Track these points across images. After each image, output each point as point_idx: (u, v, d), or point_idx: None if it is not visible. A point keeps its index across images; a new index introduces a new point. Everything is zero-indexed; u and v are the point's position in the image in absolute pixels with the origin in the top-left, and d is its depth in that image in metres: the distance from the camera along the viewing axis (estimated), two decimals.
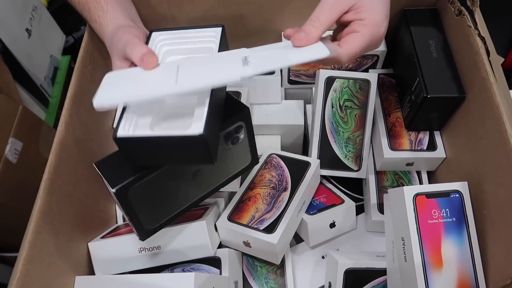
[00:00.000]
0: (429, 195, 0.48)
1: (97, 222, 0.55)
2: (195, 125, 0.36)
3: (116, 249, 0.51)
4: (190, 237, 0.51)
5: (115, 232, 0.54)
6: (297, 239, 0.62)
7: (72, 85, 0.52)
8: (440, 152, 0.59)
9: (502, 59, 0.63)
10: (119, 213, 0.60)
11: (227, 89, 0.64)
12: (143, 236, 0.45)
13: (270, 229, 0.52)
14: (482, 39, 0.52)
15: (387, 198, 0.56)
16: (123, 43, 0.43)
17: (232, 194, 0.59)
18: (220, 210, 0.59)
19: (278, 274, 0.56)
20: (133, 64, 0.43)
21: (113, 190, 0.40)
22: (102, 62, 0.60)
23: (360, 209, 0.64)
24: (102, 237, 0.53)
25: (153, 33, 0.47)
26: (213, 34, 0.46)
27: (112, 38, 0.46)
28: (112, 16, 0.50)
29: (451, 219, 0.48)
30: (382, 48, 0.64)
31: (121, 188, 0.40)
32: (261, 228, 0.52)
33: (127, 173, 0.41)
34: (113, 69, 0.45)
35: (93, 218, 0.54)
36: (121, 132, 0.37)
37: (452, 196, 0.49)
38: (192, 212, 0.56)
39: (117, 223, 0.60)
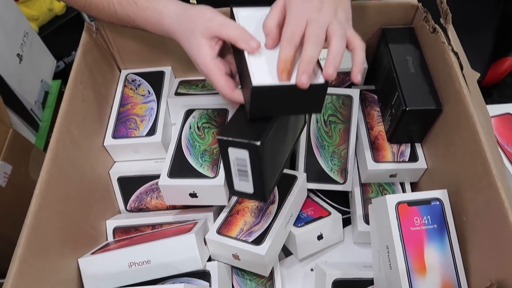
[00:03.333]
0: (411, 203, 0.50)
1: (87, 239, 0.56)
2: (320, 75, 0.41)
3: (106, 265, 0.52)
4: (180, 251, 0.51)
5: (105, 248, 0.55)
6: (286, 252, 0.63)
7: (64, 104, 0.53)
8: (421, 163, 0.61)
9: (478, 74, 0.66)
10: (110, 229, 0.61)
11: (217, 106, 0.66)
12: (267, 195, 0.47)
13: (258, 241, 0.53)
14: (455, 54, 0.55)
15: (371, 208, 0.57)
16: (218, 23, 0.46)
17: (221, 209, 0.60)
18: (209, 225, 0.60)
19: (268, 287, 0.57)
20: (222, 42, 0.47)
21: (258, 143, 0.41)
22: (94, 82, 0.61)
23: (347, 222, 0.66)
24: (93, 253, 0.53)
25: (234, 9, 0.49)
26: None
27: (193, 17, 0.47)
28: None
29: (432, 226, 0.49)
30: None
31: (262, 142, 0.41)
32: (250, 240, 0.53)
33: (254, 130, 0.43)
34: (195, 48, 0.47)
35: (83, 234, 0.55)
36: (257, 81, 0.41)
37: (432, 203, 0.50)
38: (182, 226, 0.57)
39: (107, 240, 0.61)
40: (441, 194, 0.51)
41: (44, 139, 1.13)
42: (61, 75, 1.33)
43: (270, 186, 0.48)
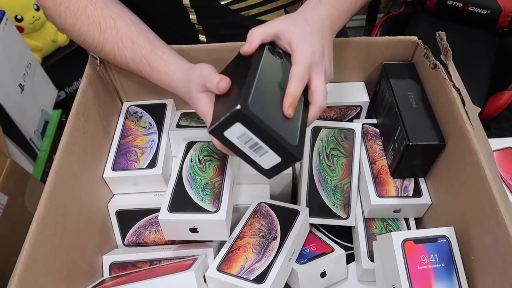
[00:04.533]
0: (417, 240, 0.49)
1: (83, 275, 0.54)
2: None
3: None
4: None
5: (100, 286, 0.53)
6: None
7: (65, 136, 0.53)
8: (425, 199, 0.60)
9: (479, 109, 0.66)
10: (106, 265, 0.59)
11: None
12: (296, 153, 0.44)
13: (260, 279, 0.51)
14: (457, 89, 0.55)
15: (376, 245, 0.56)
16: (203, 76, 0.49)
17: (222, 244, 0.59)
18: (209, 261, 0.58)
19: None
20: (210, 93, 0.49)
21: (238, 107, 0.40)
22: (95, 114, 0.61)
23: (350, 258, 0.64)
24: None
25: None
26: None
27: (190, 77, 0.51)
28: (174, 62, 0.55)
29: (440, 265, 0.48)
30: (365, 99, 0.68)
31: (243, 105, 0.40)
32: (251, 278, 0.51)
33: (232, 100, 0.42)
34: (196, 102, 0.50)
35: (79, 271, 0.53)
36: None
37: (439, 241, 0.49)
38: (181, 263, 0.55)
39: (103, 276, 0.59)
40: (448, 231, 0.49)
41: (42, 169, 1.12)
42: (62, 104, 1.34)
43: (293, 141, 0.44)
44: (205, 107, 0.49)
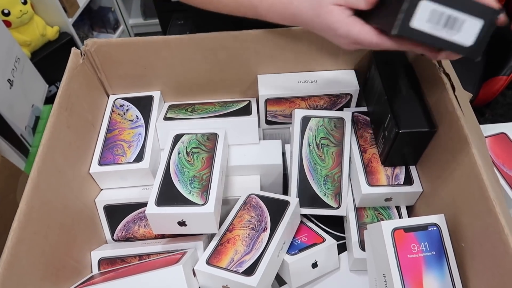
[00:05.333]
0: (407, 229, 0.48)
1: (70, 272, 0.53)
2: None
3: None
4: (167, 284, 0.49)
5: (88, 282, 0.52)
6: (280, 281, 0.61)
7: (47, 131, 0.52)
8: (417, 186, 0.59)
9: (470, 95, 0.65)
10: (95, 261, 0.58)
11: (207, 131, 0.64)
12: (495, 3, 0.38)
13: (250, 271, 0.51)
14: (447, 75, 0.54)
15: (367, 234, 0.55)
16: None
17: (211, 236, 0.58)
18: (199, 254, 0.57)
19: None
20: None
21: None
22: (80, 108, 0.60)
23: (342, 248, 0.63)
24: None
25: None
26: None
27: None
28: None
29: (430, 253, 0.47)
30: (355, 87, 0.66)
31: None
32: (240, 271, 0.51)
33: None
34: (331, 19, 0.45)
35: (66, 268, 0.52)
36: None
37: (430, 229, 0.49)
38: (170, 257, 0.54)
39: (91, 272, 0.58)
40: (438, 219, 0.49)
41: None
42: (53, 99, 1.32)
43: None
44: (341, 16, 0.44)
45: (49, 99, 1.29)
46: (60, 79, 1.49)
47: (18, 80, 1.12)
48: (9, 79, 1.09)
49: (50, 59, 1.43)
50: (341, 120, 0.65)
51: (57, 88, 1.43)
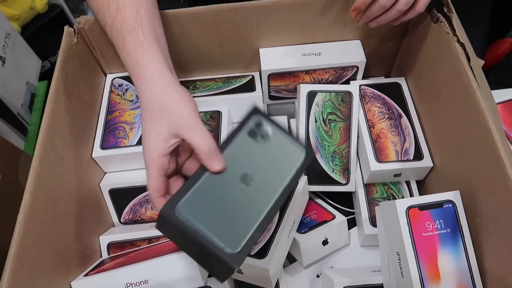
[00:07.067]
0: (422, 207, 0.47)
1: (80, 259, 0.53)
2: None
3: (101, 287, 0.49)
4: (179, 269, 0.48)
5: (99, 268, 0.52)
6: (290, 258, 0.61)
7: (46, 118, 0.50)
8: (427, 161, 0.58)
9: (483, 62, 0.63)
10: (104, 246, 0.58)
11: (210, 109, 0.62)
12: (235, 261, 0.35)
13: (262, 253, 0.50)
14: (462, 45, 0.52)
15: (378, 211, 0.55)
16: (190, 126, 0.40)
17: None
18: None
19: None
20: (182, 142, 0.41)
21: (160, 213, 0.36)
22: (77, 90, 0.58)
23: (352, 223, 0.63)
24: (86, 275, 0.50)
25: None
26: None
27: (168, 100, 0.42)
28: (152, 57, 0.45)
29: (445, 230, 0.47)
30: (361, 58, 0.64)
31: (167, 208, 0.36)
32: (252, 253, 0.50)
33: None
34: (155, 135, 0.41)
35: (75, 254, 0.52)
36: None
37: (445, 206, 0.48)
38: None
39: (101, 256, 0.58)
40: (453, 196, 0.48)
41: (34, 143, 1.09)
42: (48, 75, 1.28)
43: (234, 248, 0.36)
44: (157, 151, 0.40)
45: (44, 75, 1.26)
46: (53, 54, 1.43)
47: (10, 57, 1.08)
48: (1, 56, 1.05)
49: (41, 33, 1.38)
50: (349, 94, 0.63)
51: (51, 63, 1.39)
